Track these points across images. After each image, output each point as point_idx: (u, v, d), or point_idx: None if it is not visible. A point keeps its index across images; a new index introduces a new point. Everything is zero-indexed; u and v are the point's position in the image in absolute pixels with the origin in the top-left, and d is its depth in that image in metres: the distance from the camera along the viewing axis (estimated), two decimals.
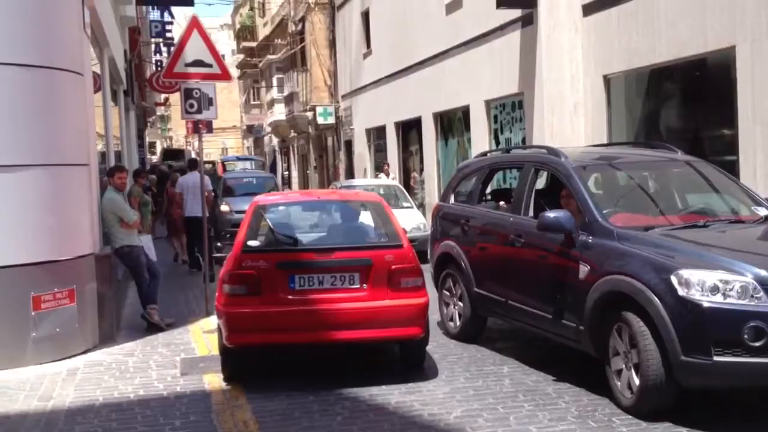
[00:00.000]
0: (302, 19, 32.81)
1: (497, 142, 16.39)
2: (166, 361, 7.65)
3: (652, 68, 12.14)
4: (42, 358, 7.55)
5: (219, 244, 14.76)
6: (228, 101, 73.10)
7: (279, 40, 39.76)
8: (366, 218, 7.84)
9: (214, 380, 6.87)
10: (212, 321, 9.45)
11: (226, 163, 29.74)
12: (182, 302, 11.01)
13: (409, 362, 7.06)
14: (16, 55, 7.34)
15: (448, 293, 8.22)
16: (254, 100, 51.05)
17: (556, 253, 6.32)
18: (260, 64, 43.42)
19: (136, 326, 9.29)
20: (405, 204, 16.15)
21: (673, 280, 5.14)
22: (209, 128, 10.19)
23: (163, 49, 29.79)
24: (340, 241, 7.15)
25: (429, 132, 20.06)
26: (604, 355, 5.81)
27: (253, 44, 47.60)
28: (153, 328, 9.14)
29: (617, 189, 6.91)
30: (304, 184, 37.63)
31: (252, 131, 52.09)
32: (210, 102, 9.81)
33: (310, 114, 32.48)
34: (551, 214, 6.20)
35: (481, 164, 8.27)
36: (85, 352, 8.00)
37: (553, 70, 13.96)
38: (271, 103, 41.14)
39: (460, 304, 7.94)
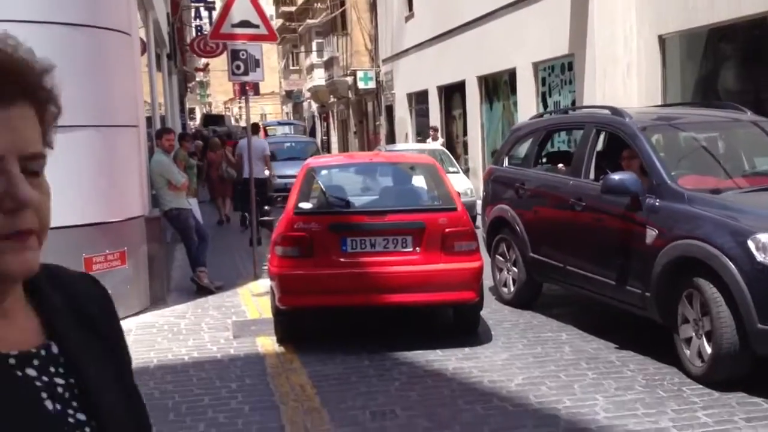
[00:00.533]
0: None
1: (545, 105, 16.04)
2: (218, 323, 7.60)
3: (710, 27, 11.70)
4: None
5: (267, 207, 14.60)
6: (267, 67, 72.44)
7: (318, 4, 39.42)
8: (419, 181, 7.68)
9: (267, 343, 6.80)
10: (261, 284, 9.44)
11: (267, 128, 29.63)
12: (230, 265, 10.97)
13: (464, 327, 6.96)
14: (64, 14, 7.23)
15: (501, 258, 8.04)
16: (293, 66, 50.88)
17: (620, 217, 6.09)
18: (299, 29, 43.13)
19: (186, 288, 9.28)
20: (451, 169, 15.86)
21: (750, 244, 4.90)
22: (256, 90, 10.08)
23: (204, 13, 29.59)
24: (393, 203, 7.06)
25: (473, 96, 19.73)
26: (672, 322, 5.59)
27: (292, 9, 47.32)
28: (202, 291, 9.12)
29: (682, 150, 6.62)
30: (344, 149, 37.48)
31: (291, 97, 51.97)
32: (257, 63, 9.66)
33: (350, 79, 32.23)
34: (616, 176, 5.97)
35: (536, 126, 8.01)
36: (137, 313, 7.99)
37: (606, 29, 13.57)
38: (311, 68, 40.91)
39: (515, 269, 7.75)
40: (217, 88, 76.68)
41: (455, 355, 6.22)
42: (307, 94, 45.59)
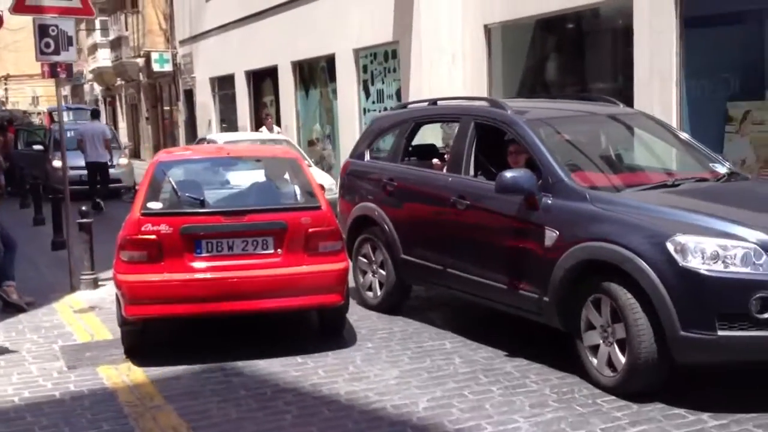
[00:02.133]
0: None
1: (367, 93, 15.65)
2: (43, 350, 6.41)
3: (537, 18, 11.80)
4: None
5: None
6: (32, 46, 67.39)
7: None
8: (280, 177, 7.02)
9: (111, 374, 5.77)
10: (80, 297, 8.28)
11: (54, 113, 26.91)
12: (35, 275, 9.55)
13: (329, 332, 6.61)
14: None
15: (365, 260, 7.46)
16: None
17: (512, 217, 5.71)
18: None
19: None
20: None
21: (669, 246, 4.66)
22: (69, 72, 8.67)
23: None
24: (252, 202, 6.53)
25: (287, 82, 18.95)
26: (574, 329, 5.30)
27: None
28: (9, 308, 7.77)
29: (566, 145, 6.36)
30: (136, 136, 35.21)
31: (70, 78, 48.14)
32: (69, 41, 8.42)
33: (141, 60, 30.16)
34: (509, 174, 5.57)
35: (402, 117, 7.47)
36: None
37: (431, 18, 13.36)
38: (94, 47, 37.92)
39: (382, 271, 7.21)
40: None
41: (341, 377, 5.57)
42: (90, 76, 42.37)
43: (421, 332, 6.61)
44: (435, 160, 7.25)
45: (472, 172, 6.38)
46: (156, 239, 5.91)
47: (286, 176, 6.95)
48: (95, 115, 18.53)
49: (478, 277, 6.05)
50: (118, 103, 38.86)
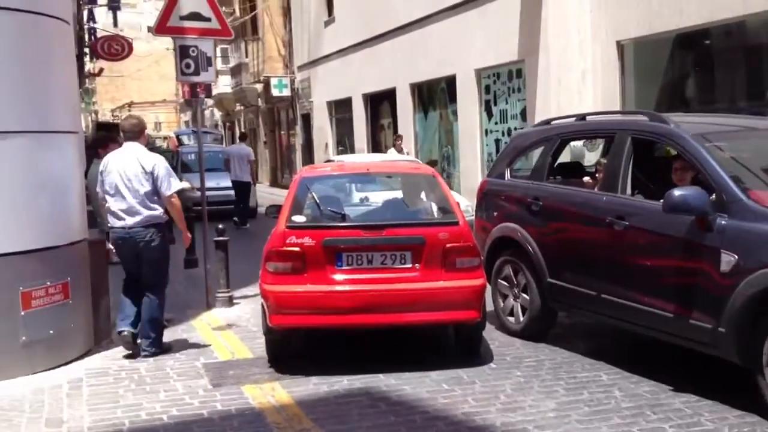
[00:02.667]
0: None
1: (489, 114, 15.38)
2: (186, 367, 6.38)
3: (677, 33, 11.25)
4: (34, 366, 6.20)
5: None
6: (156, 74, 70.36)
7: (223, 8, 37.77)
8: (418, 193, 7.07)
9: (256, 394, 5.66)
10: (217, 315, 8.28)
11: (180, 137, 27.88)
12: (170, 292, 9.60)
13: (466, 349, 6.55)
14: None
15: (506, 283, 7.15)
16: None
17: (681, 239, 5.29)
18: None
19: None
20: None
21: None
22: (208, 92, 8.80)
23: (101, 15, 27.53)
24: (391, 217, 6.65)
25: (405, 104, 18.91)
26: (753, 364, 4.82)
27: None
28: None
29: (736, 162, 5.87)
30: (256, 160, 35.93)
31: (191, 105, 49.88)
32: (209, 62, 8.51)
33: (260, 86, 30.88)
34: (678, 192, 5.16)
35: (546, 134, 7.14)
36: (81, 356, 6.67)
37: (560, 36, 12.99)
38: (216, 75, 39.18)
39: (525, 296, 6.88)
40: (104, 96, 73.21)
41: (493, 406, 5.26)
42: (210, 102, 43.80)
43: (572, 362, 6.22)
44: (586, 178, 6.86)
45: (629, 190, 5.99)
46: (300, 251, 6.03)
47: (424, 192, 6.98)
48: (243, 138, 20.14)
49: (639, 304, 5.63)
50: (236, 128, 39.88)
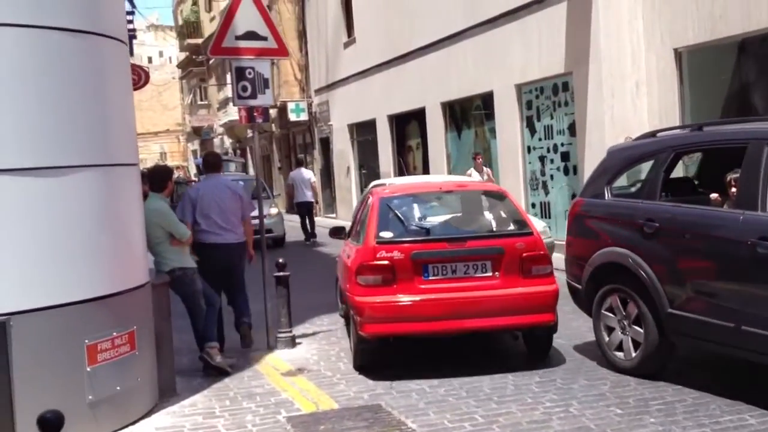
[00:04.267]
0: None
1: (532, 131, 14.74)
2: (269, 423, 5.70)
3: (744, 37, 10.63)
4: (101, 428, 5.52)
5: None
6: (158, 104, 70.14)
7: None
8: (490, 207, 7.61)
9: None
10: (281, 357, 7.59)
11: (201, 165, 27.18)
12: (227, 332, 8.97)
13: (538, 353, 7.06)
14: (57, 16, 5.28)
15: (612, 315, 6.46)
16: (201, 101, 48.45)
17: None
18: (211, 62, 40.88)
19: (189, 370, 7.32)
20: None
21: None
22: (266, 116, 8.20)
23: None
24: (471, 230, 7.16)
25: (436, 124, 18.29)
26: None
27: (199, 41, 44.91)
28: (211, 371, 7.17)
29: None
30: (270, 186, 35.36)
31: (199, 134, 49.41)
32: (266, 84, 7.92)
33: (273, 111, 30.32)
34: None
35: (655, 147, 6.41)
36: (147, 414, 5.99)
37: (612, 45, 12.39)
38: (225, 102, 38.65)
39: (638, 328, 6.19)
40: None
41: None
42: (220, 130, 43.30)
43: (706, 403, 5.52)
44: (714, 195, 6.16)
45: None
46: (390, 264, 6.58)
47: (496, 206, 7.47)
48: (300, 162, 22.11)
49: None
50: (249, 155, 39.33)
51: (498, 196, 7.58)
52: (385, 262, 6.55)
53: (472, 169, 14.76)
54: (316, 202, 20.10)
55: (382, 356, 6.98)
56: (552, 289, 6.67)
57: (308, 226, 18.68)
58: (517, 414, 5.53)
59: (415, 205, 7.44)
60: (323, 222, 21.30)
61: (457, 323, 6.57)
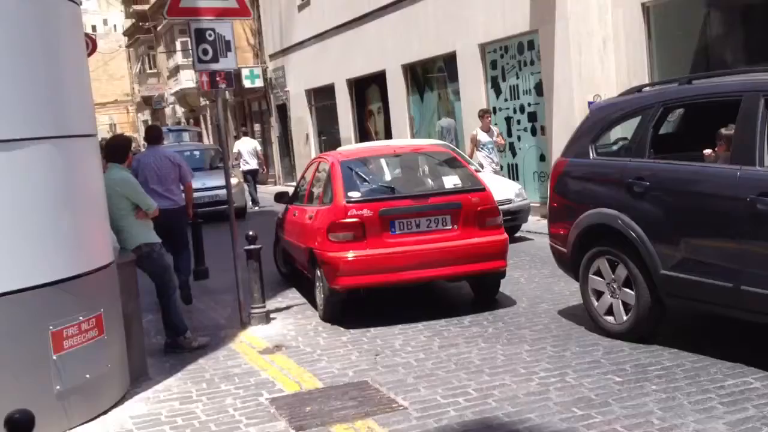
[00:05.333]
0: None
1: (497, 92, 14.45)
2: (251, 406, 5.36)
3: None
4: (71, 420, 5.14)
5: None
6: (105, 74, 68.16)
7: None
8: (443, 166, 8.16)
9: None
10: (256, 334, 7.25)
11: None
12: (190, 309, 8.62)
13: (488, 296, 7.76)
14: None
15: (600, 278, 6.25)
16: (150, 69, 47.21)
17: None
18: (159, 28, 39.74)
19: (158, 350, 6.94)
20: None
21: None
22: (230, 82, 7.74)
23: None
24: (430, 187, 7.81)
25: (397, 87, 17.91)
26: None
27: (146, 7, 43.60)
28: (177, 349, 6.84)
29: None
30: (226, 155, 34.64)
31: (150, 103, 48.19)
32: (228, 46, 7.42)
33: None
34: None
35: (642, 103, 6.13)
36: (119, 401, 5.62)
37: (578, 1, 12.12)
38: (176, 70, 37.70)
39: (628, 291, 5.99)
40: None
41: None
42: (171, 99, 42.27)
43: (706, 367, 5.33)
44: (707, 151, 5.91)
45: (767, 162, 5.11)
46: (359, 221, 7.11)
47: (449, 166, 8.10)
48: (245, 133, 23.90)
49: None
50: (202, 124, 38.49)
51: (448, 157, 8.37)
52: (356, 220, 7.08)
53: (479, 129, 13.01)
54: (263, 170, 21.25)
55: (348, 309, 7.45)
56: (503, 239, 7.44)
57: (252, 193, 19.54)
58: (512, 386, 5.29)
59: (374, 167, 8.01)
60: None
61: (423, 272, 7.17)
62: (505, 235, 7.47)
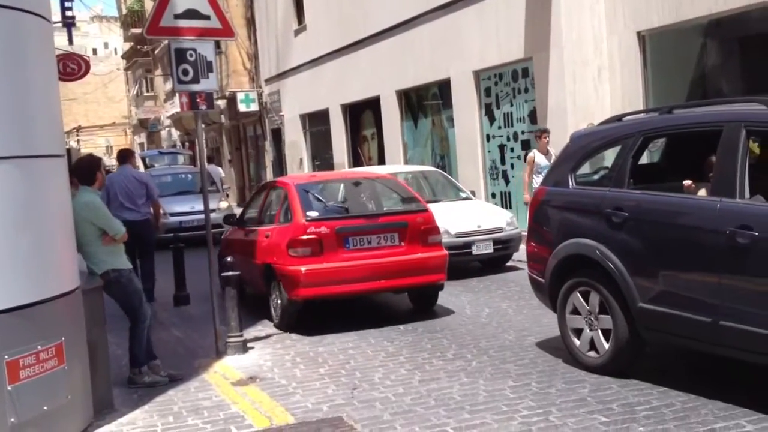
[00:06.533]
0: None
1: (491, 118, 14.29)
2: None
3: (711, 19, 10.29)
4: None
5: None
6: (104, 96, 68.14)
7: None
8: (389, 190, 9.09)
9: None
10: (231, 365, 6.97)
11: (147, 158, 26.24)
12: (166, 336, 8.34)
13: (426, 306, 8.63)
14: None
15: (578, 315, 6.01)
16: (148, 92, 47.16)
17: None
18: (156, 51, 39.73)
19: (125, 380, 6.65)
20: (462, 195, 12.07)
21: None
22: (209, 103, 7.52)
23: (62, 30, 25.80)
24: (380, 208, 8.60)
25: (391, 113, 17.76)
26: None
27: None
28: (133, 384, 6.54)
29: None
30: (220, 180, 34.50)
31: (146, 126, 48.07)
32: (209, 67, 7.22)
33: (222, 102, 29.46)
34: None
35: (622, 132, 5.95)
36: None
37: (573, 29, 11.98)
38: (172, 93, 37.60)
39: (605, 316, 5.77)
40: None
41: None
42: (167, 122, 42.14)
43: (698, 408, 5.04)
44: (687, 182, 5.73)
45: (747, 194, 4.91)
46: (317, 238, 7.83)
47: (393, 190, 9.06)
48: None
49: None
50: (197, 148, 38.35)
51: (392, 182, 9.27)
52: (314, 236, 7.80)
53: (536, 151, 11.49)
54: (227, 196, 22.06)
55: (303, 319, 8.11)
56: (444, 254, 8.28)
57: None
58: (493, 425, 5.02)
59: (327, 191, 8.99)
60: None
61: (374, 284, 7.94)
62: (445, 252, 8.31)
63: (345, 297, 8.20)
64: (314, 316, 8.28)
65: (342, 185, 9.30)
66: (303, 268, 7.70)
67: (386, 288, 8.15)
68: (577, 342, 6.10)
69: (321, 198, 8.42)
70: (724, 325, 4.90)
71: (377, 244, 7.97)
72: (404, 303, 9.13)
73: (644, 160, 6.61)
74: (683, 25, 10.66)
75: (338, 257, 7.79)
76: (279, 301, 8.13)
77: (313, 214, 8.00)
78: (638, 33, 11.31)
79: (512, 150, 13.79)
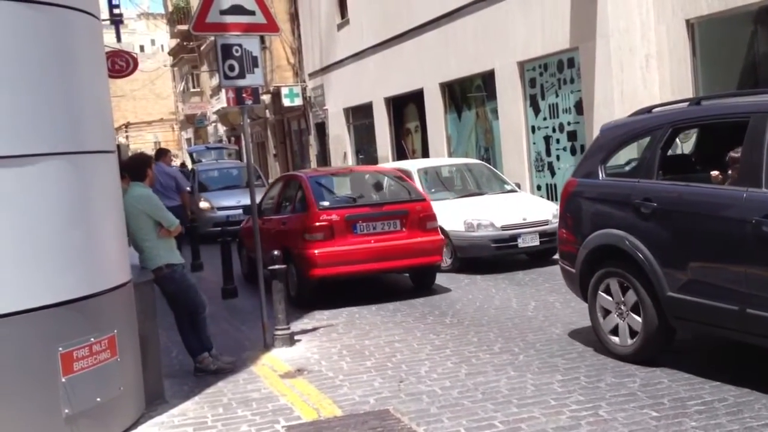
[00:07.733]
0: None
1: (536, 110, 14.15)
2: None
3: (761, 5, 10.05)
4: None
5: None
6: (151, 93, 69.09)
7: None
8: (392, 182, 10.18)
9: None
10: (279, 357, 7.04)
11: (194, 154, 26.57)
12: (215, 329, 8.43)
13: (425, 284, 9.70)
14: None
15: (609, 299, 6.00)
16: (194, 88, 47.70)
17: None
18: (202, 48, 40.15)
19: (179, 372, 6.77)
20: (507, 187, 12.15)
21: None
22: (255, 98, 7.61)
23: (110, 27, 26.22)
24: (384, 198, 9.85)
25: (435, 105, 17.70)
26: None
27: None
28: (201, 372, 6.65)
29: None
30: (265, 173, 34.79)
31: (193, 122, 48.65)
32: (255, 62, 7.27)
33: (268, 97, 29.67)
34: None
35: (652, 124, 5.94)
36: (132, 425, 5.44)
37: (620, 18, 11.79)
38: (218, 88, 37.97)
39: (636, 317, 5.76)
40: None
41: None
42: (213, 117, 42.59)
43: (751, 402, 4.94)
44: (714, 173, 5.69)
45: None
46: (329, 224, 8.88)
47: (396, 181, 10.12)
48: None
49: None
50: (243, 142, 38.69)
51: (395, 175, 10.36)
52: (326, 223, 8.84)
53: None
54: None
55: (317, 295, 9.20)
56: (440, 239, 9.46)
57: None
58: (541, 419, 4.99)
59: (338, 182, 10.36)
60: None
61: (379, 264, 9.02)
62: (441, 236, 9.50)
63: (353, 276, 9.21)
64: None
65: (349, 178, 10.64)
66: (317, 251, 8.75)
67: (390, 268, 9.24)
68: (602, 320, 6.14)
69: (332, 188, 9.63)
70: (751, 313, 4.90)
71: (381, 230, 9.02)
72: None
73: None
74: (733, 13, 10.42)
75: (347, 241, 8.86)
76: (295, 279, 9.17)
77: (325, 203, 9.09)
78: (687, 21, 11.09)
79: (558, 141, 13.66)
